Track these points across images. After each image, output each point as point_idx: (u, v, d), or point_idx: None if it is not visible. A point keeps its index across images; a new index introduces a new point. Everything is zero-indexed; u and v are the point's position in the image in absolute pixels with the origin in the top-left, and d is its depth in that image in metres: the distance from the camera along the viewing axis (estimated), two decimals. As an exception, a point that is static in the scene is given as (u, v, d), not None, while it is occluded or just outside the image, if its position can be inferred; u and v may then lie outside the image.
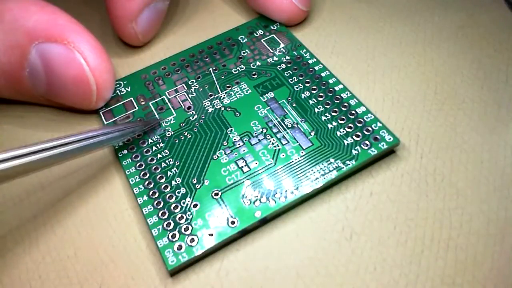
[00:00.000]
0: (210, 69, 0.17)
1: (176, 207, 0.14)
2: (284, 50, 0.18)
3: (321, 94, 0.16)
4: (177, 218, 0.13)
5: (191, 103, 0.16)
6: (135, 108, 0.17)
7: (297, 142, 0.15)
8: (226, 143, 0.15)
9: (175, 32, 0.20)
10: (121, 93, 0.17)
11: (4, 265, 0.13)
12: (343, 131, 0.15)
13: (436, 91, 0.16)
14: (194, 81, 0.17)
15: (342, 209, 0.14)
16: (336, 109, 0.15)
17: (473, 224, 0.13)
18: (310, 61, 0.17)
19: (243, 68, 0.17)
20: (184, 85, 0.17)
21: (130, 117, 0.16)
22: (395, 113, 0.16)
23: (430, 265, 0.12)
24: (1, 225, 0.14)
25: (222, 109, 0.16)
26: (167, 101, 0.17)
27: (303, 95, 0.16)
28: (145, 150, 0.15)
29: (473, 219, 0.13)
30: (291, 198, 0.13)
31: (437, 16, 0.18)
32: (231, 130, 0.15)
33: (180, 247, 0.13)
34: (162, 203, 0.14)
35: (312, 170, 0.14)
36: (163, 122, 0.16)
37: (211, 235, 0.13)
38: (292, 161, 0.14)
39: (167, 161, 0.15)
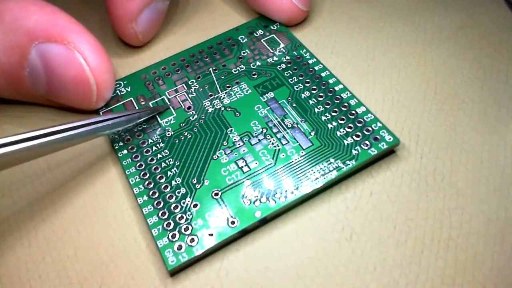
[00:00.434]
0: (210, 69, 0.17)
1: (176, 207, 0.14)
2: (284, 50, 0.18)
3: (321, 94, 0.16)
4: (177, 218, 0.13)
5: (191, 103, 0.16)
6: (135, 108, 0.17)
7: (297, 142, 0.15)
8: (226, 143, 0.15)
9: (175, 32, 0.20)
10: (121, 93, 0.17)
11: (4, 265, 0.13)
12: (343, 131, 0.15)
13: (436, 91, 0.16)
14: (194, 81, 0.17)
15: (342, 209, 0.14)
16: (336, 109, 0.15)
17: (473, 224, 0.13)
18: (310, 61, 0.17)
19: (243, 68, 0.17)
20: (184, 85, 0.17)
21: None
22: (395, 113, 0.16)
23: (430, 265, 0.12)
24: (1, 225, 0.14)
25: (222, 109, 0.16)
26: (167, 101, 0.17)
27: (303, 95, 0.16)
28: (145, 150, 0.15)
29: (473, 219, 0.13)
30: (291, 198, 0.13)
31: (437, 16, 0.18)
32: (231, 130, 0.15)
33: (180, 247, 0.13)
34: (162, 203, 0.14)
35: (312, 170, 0.14)
36: (163, 122, 0.16)
37: (211, 235, 0.13)
38: (292, 161, 0.14)
39: (167, 161, 0.15)
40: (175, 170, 0.15)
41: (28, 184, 0.15)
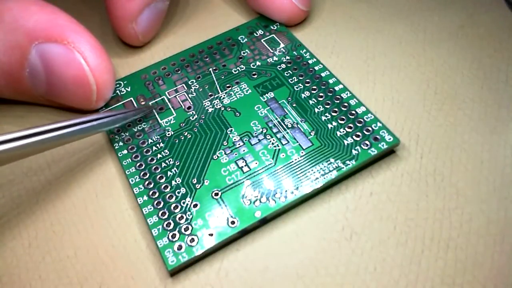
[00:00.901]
0: (210, 69, 0.17)
1: (176, 207, 0.14)
2: (284, 50, 0.18)
3: (321, 94, 0.16)
4: (177, 218, 0.13)
5: (191, 103, 0.16)
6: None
7: (297, 142, 0.15)
8: (226, 143, 0.15)
9: (175, 32, 0.20)
10: (121, 93, 0.17)
11: (4, 265, 0.13)
12: (343, 131, 0.15)
13: (436, 91, 0.16)
14: (194, 81, 0.17)
15: (342, 209, 0.14)
16: (336, 109, 0.15)
17: (473, 224, 0.13)
18: (310, 61, 0.17)
19: (243, 68, 0.17)
20: (184, 85, 0.17)
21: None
22: (395, 113, 0.16)
23: (430, 265, 0.12)
24: (1, 225, 0.14)
25: (222, 109, 0.16)
26: (167, 101, 0.17)
27: (303, 95, 0.16)
28: (145, 150, 0.15)
29: (473, 219, 0.13)
30: (291, 198, 0.13)
31: (437, 16, 0.18)
32: (231, 130, 0.15)
33: (180, 247, 0.13)
34: (162, 203, 0.14)
35: (312, 170, 0.14)
36: (163, 122, 0.16)
37: (211, 235, 0.13)
38: (292, 161, 0.14)
39: (167, 161, 0.15)
40: (175, 170, 0.15)
41: (28, 184, 0.15)
